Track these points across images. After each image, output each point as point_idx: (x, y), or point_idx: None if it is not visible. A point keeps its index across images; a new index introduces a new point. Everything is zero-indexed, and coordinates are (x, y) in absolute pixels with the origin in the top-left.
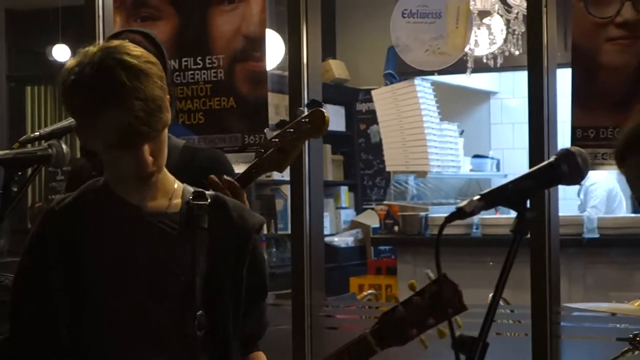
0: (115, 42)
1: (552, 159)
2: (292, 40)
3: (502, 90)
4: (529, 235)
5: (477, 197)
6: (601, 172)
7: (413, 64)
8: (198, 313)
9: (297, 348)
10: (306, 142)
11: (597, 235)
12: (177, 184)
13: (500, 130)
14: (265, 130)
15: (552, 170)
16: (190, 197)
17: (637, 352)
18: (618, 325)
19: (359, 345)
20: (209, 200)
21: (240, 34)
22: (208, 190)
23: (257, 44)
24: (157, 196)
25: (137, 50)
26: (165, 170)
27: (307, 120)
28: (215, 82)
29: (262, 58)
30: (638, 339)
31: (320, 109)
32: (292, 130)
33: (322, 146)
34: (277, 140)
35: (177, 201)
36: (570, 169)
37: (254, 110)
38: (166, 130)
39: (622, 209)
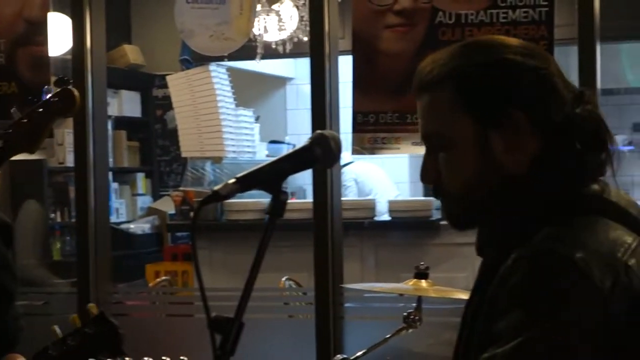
0: None
1: (306, 142)
2: (75, 24)
3: (298, 76)
4: (312, 219)
5: (233, 180)
6: (351, 162)
7: (198, 50)
8: None
9: None
10: (90, 127)
11: (388, 218)
12: None
13: (296, 116)
14: (12, 111)
15: (306, 153)
16: None
17: (410, 330)
18: (404, 305)
19: None
20: None
21: (21, 18)
22: None
23: (39, 28)
24: None
25: None
26: None
27: (56, 99)
28: None
29: (44, 42)
30: (411, 317)
31: (69, 87)
32: (41, 109)
33: (108, 131)
34: (25, 120)
35: None
36: (324, 152)
37: (37, 95)
38: None
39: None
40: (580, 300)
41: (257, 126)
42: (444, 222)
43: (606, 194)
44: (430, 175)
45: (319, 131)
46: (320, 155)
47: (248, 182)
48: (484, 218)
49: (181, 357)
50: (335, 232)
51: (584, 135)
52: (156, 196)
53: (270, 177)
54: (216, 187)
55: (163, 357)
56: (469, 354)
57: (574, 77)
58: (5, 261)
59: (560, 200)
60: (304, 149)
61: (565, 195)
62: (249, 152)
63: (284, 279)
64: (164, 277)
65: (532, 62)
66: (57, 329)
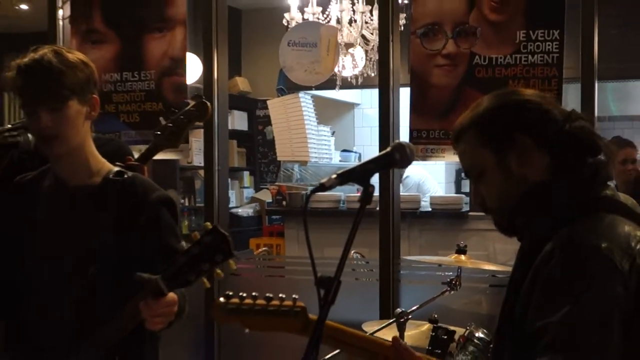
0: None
1: (388, 149)
2: (206, 61)
3: (364, 102)
4: (377, 208)
5: (334, 175)
6: (414, 167)
7: (296, 81)
8: (96, 265)
9: (209, 290)
10: (215, 138)
11: (429, 209)
12: (105, 165)
13: (362, 132)
14: (160, 118)
15: (388, 157)
16: (111, 175)
17: (453, 292)
18: (442, 273)
19: (151, 286)
20: (124, 177)
21: (167, 55)
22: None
23: (179, 63)
24: (81, 172)
25: (70, 51)
26: (90, 152)
27: (194, 109)
28: (148, 91)
29: (183, 74)
30: (454, 282)
31: (203, 100)
32: (182, 116)
33: (228, 141)
34: (171, 124)
35: (99, 178)
36: (401, 157)
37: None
38: (77, 113)
39: (435, 193)
40: (607, 279)
41: (332, 139)
42: (471, 213)
43: (616, 196)
44: (478, 200)
45: (397, 141)
46: (398, 159)
47: (346, 177)
48: (521, 220)
49: (293, 295)
50: (395, 217)
51: (578, 144)
52: (257, 189)
53: (361, 174)
54: (322, 180)
55: (253, 293)
56: (512, 317)
57: (574, 108)
58: (175, 231)
59: (581, 200)
60: (386, 154)
61: (585, 196)
62: (326, 157)
63: (352, 251)
64: (264, 248)
65: (526, 97)
66: (183, 243)
